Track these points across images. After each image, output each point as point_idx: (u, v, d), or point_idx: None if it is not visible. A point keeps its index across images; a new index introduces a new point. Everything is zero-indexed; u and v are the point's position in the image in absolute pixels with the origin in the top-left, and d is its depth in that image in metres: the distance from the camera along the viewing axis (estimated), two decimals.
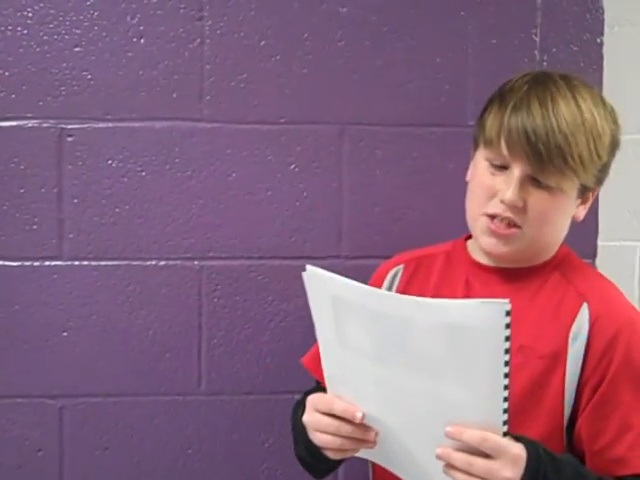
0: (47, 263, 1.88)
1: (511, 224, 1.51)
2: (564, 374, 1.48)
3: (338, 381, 1.42)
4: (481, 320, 1.20)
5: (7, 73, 1.84)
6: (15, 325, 1.88)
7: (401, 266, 1.71)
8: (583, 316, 1.50)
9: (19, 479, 1.90)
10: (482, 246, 1.57)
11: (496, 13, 1.95)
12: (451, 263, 1.66)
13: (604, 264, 2.00)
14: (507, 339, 1.21)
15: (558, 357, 1.49)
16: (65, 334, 1.89)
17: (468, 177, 1.60)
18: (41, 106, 1.85)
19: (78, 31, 1.85)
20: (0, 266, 1.86)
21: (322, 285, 1.35)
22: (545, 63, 1.95)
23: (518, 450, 1.29)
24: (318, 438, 1.42)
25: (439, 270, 1.67)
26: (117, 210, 1.88)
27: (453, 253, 1.68)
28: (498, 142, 1.50)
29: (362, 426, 1.38)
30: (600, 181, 1.58)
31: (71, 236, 1.88)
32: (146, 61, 1.87)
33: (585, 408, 1.48)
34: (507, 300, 1.19)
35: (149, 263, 1.90)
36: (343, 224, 1.94)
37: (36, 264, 1.87)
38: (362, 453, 1.45)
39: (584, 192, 1.56)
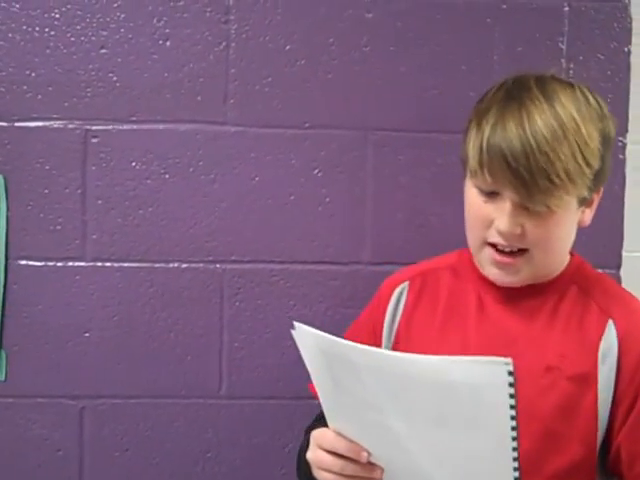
0: (70, 264, 1.88)
1: (515, 251, 1.46)
2: (596, 397, 1.42)
3: (338, 416, 1.35)
4: (483, 379, 1.15)
5: (34, 74, 1.85)
6: (37, 325, 1.88)
7: (406, 283, 1.65)
8: (610, 335, 1.45)
9: (38, 479, 1.90)
10: (488, 277, 1.51)
11: (522, 21, 1.93)
12: (459, 278, 1.59)
13: (629, 275, 1.97)
14: (511, 396, 1.16)
15: (588, 379, 1.43)
16: (87, 335, 1.90)
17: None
18: (67, 107, 1.86)
19: (105, 33, 1.86)
20: (23, 266, 1.87)
21: (312, 341, 1.30)
22: (571, 71, 1.94)
23: None
24: (322, 476, 1.37)
25: (448, 286, 1.60)
26: (140, 212, 1.89)
27: (460, 267, 1.62)
28: (482, 172, 1.43)
29: (368, 464, 1.32)
30: (601, 182, 1.49)
31: (94, 237, 1.88)
32: (171, 64, 1.88)
33: (620, 430, 1.42)
34: (509, 360, 1.12)
35: (172, 265, 1.90)
36: (366, 230, 1.93)
37: (59, 264, 1.88)
38: None
39: (585, 200, 1.48)
